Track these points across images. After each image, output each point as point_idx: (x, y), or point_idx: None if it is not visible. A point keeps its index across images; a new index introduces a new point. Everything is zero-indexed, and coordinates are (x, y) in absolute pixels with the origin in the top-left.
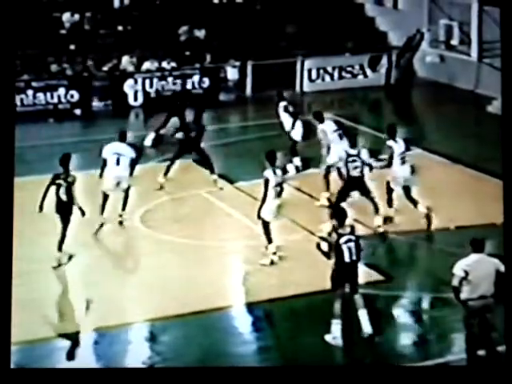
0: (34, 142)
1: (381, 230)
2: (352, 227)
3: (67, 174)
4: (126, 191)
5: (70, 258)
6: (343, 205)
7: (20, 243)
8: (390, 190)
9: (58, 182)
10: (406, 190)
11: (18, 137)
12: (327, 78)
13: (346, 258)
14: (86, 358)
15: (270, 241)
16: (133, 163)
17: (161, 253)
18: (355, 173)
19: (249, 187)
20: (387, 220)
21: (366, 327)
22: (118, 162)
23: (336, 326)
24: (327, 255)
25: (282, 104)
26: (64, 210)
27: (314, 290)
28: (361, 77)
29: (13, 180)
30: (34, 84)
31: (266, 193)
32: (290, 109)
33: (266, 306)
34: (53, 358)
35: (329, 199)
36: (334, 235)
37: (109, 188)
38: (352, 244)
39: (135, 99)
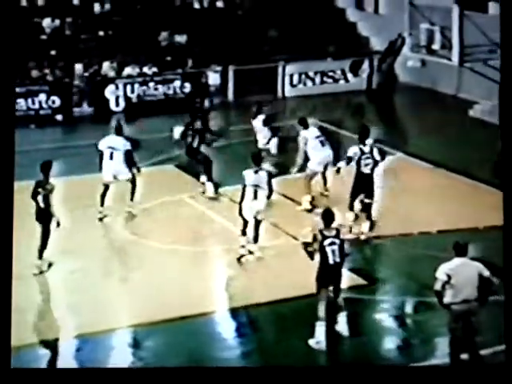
0: (15, 148)
1: (363, 236)
2: (337, 230)
3: (46, 182)
4: (132, 182)
5: (50, 265)
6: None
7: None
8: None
9: (38, 189)
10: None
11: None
12: (309, 82)
13: (330, 260)
14: (70, 365)
15: (243, 233)
16: (128, 156)
17: (144, 258)
18: (366, 170)
19: (232, 192)
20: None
21: (344, 330)
22: (111, 157)
23: (320, 328)
24: (311, 256)
25: (261, 117)
26: (43, 217)
27: (298, 294)
28: (342, 82)
29: (13, 185)
30: (17, 90)
31: (243, 191)
32: (270, 123)
33: (250, 310)
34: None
35: (311, 203)
36: (319, 236)
37: (108, 180)
38: (336, 247)
39: (117, 105)
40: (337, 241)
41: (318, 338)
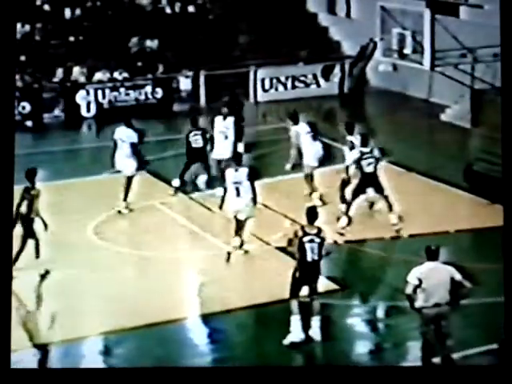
0: None
1: (396, 227)
2: (319, 229)
3: (32, 188)
4: (127, 180)
5: (47, 272)
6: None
7: None
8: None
9: (25, 195)
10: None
11: None
12: (280, 87)
13: (308, 258)
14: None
15: (235, 233)
16: (134, 148)
17: (115, 265)
18: (369, 169)
19: (203, 197)
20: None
21: (316, 334)
22: (120, 147)
23: (296, 323)
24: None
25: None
26: (25, 222)
27: (271, 300)
28: (314, 86)
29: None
30: None
31: (225, 188)
32: (207, 136)
33: (222, 317)
34: None
35: (321, 198)
36: (300, 232)
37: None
38: (315, 245)
39: (88, 110)
40: (317, 239)
41: (294, 331)
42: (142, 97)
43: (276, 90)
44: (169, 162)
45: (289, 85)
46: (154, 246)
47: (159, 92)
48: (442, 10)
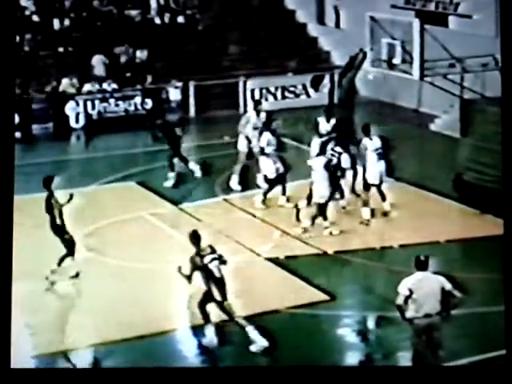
0: None
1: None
2: (211, 247)
3: (51, 195)
4: None
5: (77, 275)
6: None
7: None
8: (368, 187)
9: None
10: (380, 185)
11: None
12: (270, 97)
13: (217, 274)
14: None
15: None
16: None
17: (103, 276)
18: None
19: (192, 208)
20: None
21: (261, 341)
22: None
23: (210, 330)
24: (189, 279)
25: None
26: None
27: (261, 310)
28: (304, 97)
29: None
30: None
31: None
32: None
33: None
34: None
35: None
36: (198, 259)
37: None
38: (217, 261)
39: (77, 121)
40: (216, 255)
41: (209, 336)
42: (132, 108)
43: (266, 100)
44: (158, 173)
45: (278, 95)
46: (142, 256)
47: (149, 103)
48: (431, 20)
